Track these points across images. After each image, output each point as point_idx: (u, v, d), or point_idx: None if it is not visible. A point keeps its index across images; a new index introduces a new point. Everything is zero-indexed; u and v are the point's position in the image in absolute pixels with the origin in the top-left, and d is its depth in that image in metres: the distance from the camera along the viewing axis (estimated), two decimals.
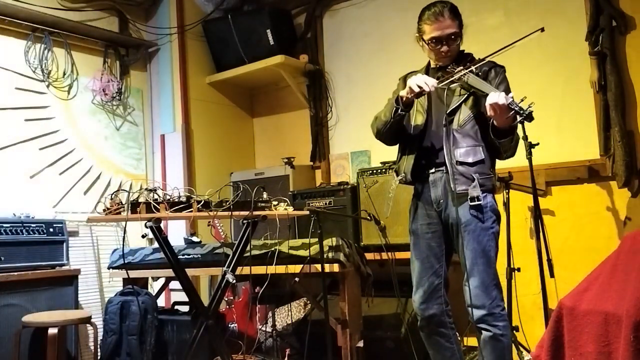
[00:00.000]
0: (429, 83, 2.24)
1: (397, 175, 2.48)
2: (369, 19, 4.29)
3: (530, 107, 2.07)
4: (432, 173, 2.38)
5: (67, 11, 3.96)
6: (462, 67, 2.29)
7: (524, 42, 2.48)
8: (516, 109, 2.08)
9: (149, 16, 4.55)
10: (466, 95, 2.32)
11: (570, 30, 3.42)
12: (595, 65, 3.27)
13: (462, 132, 2.31)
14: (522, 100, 2.10)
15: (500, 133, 2.21)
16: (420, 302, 2.40)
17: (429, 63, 2.50)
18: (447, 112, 2.32)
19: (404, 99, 2.32)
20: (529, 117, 2.07)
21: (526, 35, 2.26)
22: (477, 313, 2.25)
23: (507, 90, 2.27)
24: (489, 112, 2.13)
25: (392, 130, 2.44)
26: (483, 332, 2.25)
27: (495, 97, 2.10)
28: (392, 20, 4.17)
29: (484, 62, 2.31)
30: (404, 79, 2.56)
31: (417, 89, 2.24)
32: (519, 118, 2.10)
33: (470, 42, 3.54)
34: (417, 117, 2.43)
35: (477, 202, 2.25)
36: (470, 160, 2.29)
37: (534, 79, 3.51)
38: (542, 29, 2.22)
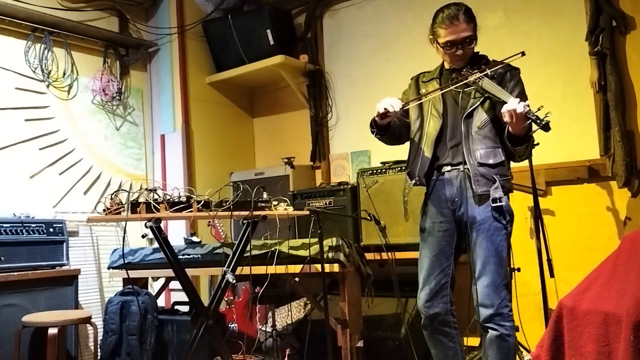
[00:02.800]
0: (394, 105, 2.27)
1: (411, 179, 2.47)
2: (369, 19, 4.29)
3: (547, 116, 2.06)
4: (448, 171, 2.37)
5: (67, 11, 3.96)
6: (477, 71, 2.28)
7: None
8: (533, 118, 2.07)
9: (149, 16, 4.55)
10: (482, 99, 2.31)
11: (570, 30, 3.42)
12: (595, 65, 3.26)
13: (481, 133, 2.31)
14: (538, 110, 2.09)
15: (515, 140, 2.21)
16: (425, 300, 2.39)
17: (442, 64, 2.49)
18: (464, 115, 2.33)
19: (378, 122, 2.36)
20: (546, 127, 2.06)
21: (507, 58, 2.28)
22: (486, 312, 2.25)
23: (522, 94, 2.28)
24: (506, 119, 2.13)
25: (388, 141, 2.51)
26: (490, 331, 2.25)
27: (514, 104, 2.09)
28: (392, 20, 4.17)
29: (500, 65, 2.30)
30: (416, 80, 2.56)
31: (382, 111, 2.29)
32: (535, 127, 2.10)
33: None
34: (431, 122, 2.42)
35: (499, 204, 2.25)
36: (491, 161, 2.29)
37: (534, 79, 3.49)
38: (523, 53, 2.24)
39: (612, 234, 3.23)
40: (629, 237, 2.12)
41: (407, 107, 2.39)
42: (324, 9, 4.53)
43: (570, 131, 3.39)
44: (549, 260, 2.96)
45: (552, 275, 2.96)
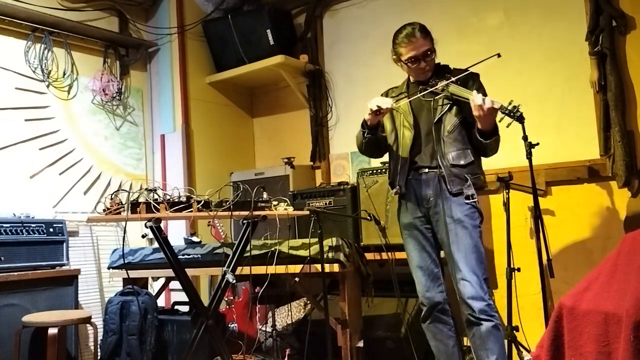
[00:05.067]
0: (387, 102, 2.47)
1: (392, 188, 2.66)
2: (369, 19, 4.29)
3: (518, 108, 2.25)
4: (425, 173, 2.54)
5: (67, 11, 3.96)
6: (443, 80, 2.48)
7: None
8: (506, 112, 2.26)
9: (149, 16, 4.55)
10: (449, 105, 2.50)
11: (570, 30, 3.41)
12: (595, 65, 3.26)
13: (451, 137, 2.50)
14: (510, 104, 2.28)
15: (485, 134, 2.39)
16: (425, 290, 2.56)
17: (408, 78, 2.68)
18: (435, 121, 2.51)
19: (368, 122, 2.54)
20: (520, 119, 2.25)
21: (483, 60, 2.46)
22: (478, 305, 2.38)
23: (485, 95, 2.44)
24: (475, 113, 2.30)
25: (370, 148, 2.70)
26: (484, 322, 2.38)
27: (478, 99, 2.26)
28: (392, 21, 4.15)
29: (461, 75, 2.48)
30: (385, 95, 2.73)
31: (375, 108, 2.46)
32: (510, 120, 2.29)
33: (471, 42, 3.57)
34: (405, 133, 2.60)
35: (472, 200, 2.45)
36: (462, 162, 2.48)
37: (534, 79, 3.51)
38: (499, 55, 2.40)
39: (612, 234, 3.23)
40: (629, 237, 2.12)
41: (397, 106, 2.58)
42: (324, 9, 4.52)
43: (570, 131, 3.39)
44: (549, 260, 2.95)
45: (552, 275, 2.95)
